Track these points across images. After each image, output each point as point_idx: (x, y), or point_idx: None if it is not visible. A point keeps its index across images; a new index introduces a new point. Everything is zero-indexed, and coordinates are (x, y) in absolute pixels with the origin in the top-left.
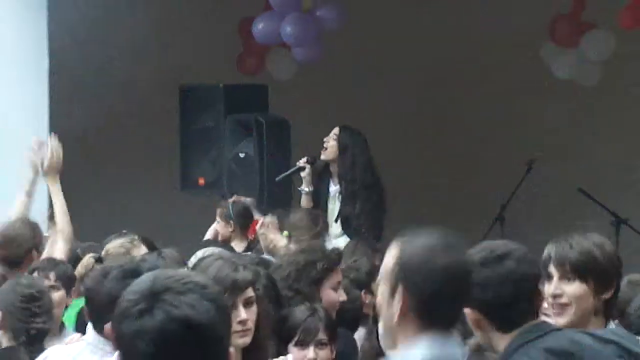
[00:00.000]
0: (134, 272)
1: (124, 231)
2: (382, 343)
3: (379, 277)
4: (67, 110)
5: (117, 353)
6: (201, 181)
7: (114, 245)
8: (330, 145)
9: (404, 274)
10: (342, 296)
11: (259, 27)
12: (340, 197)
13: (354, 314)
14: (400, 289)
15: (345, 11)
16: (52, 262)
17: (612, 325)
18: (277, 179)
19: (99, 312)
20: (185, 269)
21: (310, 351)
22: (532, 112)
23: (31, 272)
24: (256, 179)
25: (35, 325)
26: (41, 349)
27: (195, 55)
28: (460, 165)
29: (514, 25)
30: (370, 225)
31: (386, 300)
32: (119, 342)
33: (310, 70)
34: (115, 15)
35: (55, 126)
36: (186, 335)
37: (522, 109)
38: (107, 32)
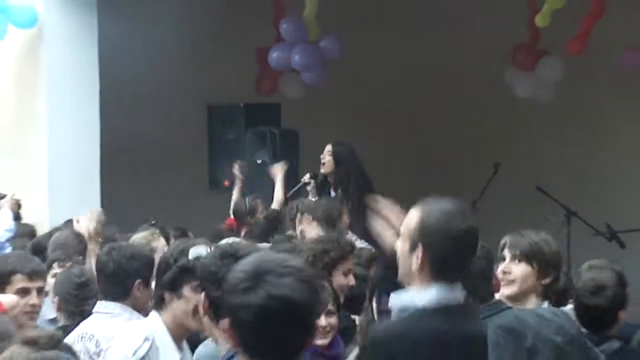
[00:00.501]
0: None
1: (153, 221)
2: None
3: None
4: (115, 125)
5: (227, 319)
6: (226, 183)
7: (138, 236)
8: (327, 160)
9: (424, 235)
10: (351, 281)
11: (273, 55)
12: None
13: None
14: (420, 247)
15: (344, 42)
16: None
17: (545, 305)
18: (287, 195)
19: (111, 282)
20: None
21: (322, 319)
22: (499, 124)
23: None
24: (270, 182)
25: (86, 308)
26: None
27: (220, 79)
28: (441, 168)
29: (484, 53)
30: (361, 219)
31: (406, 254)
32: (228, 310)
33: (316, 91)
34: (155, 47)
35: (104, 137)
36: (283, 310)
37: (490, 122)
38: (150, 62)
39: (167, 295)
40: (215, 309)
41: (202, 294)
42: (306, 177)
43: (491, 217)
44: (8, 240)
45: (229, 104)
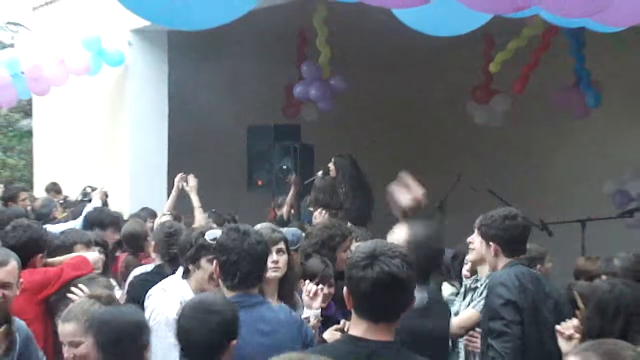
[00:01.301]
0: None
1: (213, 210)
2: None
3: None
4: (179, 138)
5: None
6: (259, 183)
7: (202, 222)
8: (331, 168)
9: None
10: (349, 255)
11: (296, 90)
12: None
13: None
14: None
15: (347, 80)
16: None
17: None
18: (304, 182)
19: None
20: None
21: (325, 288)
22: (462, 143)
23: None
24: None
25: (172, 251)
26: (177, 265)
27: (257, 106)
28: (417, 174)
29: (453, 90)
30: (357, 215)
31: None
32: (348, 281)
33: (327, 116)
34: (210, 81)
35: (171, 147)
36: (392, 284)
37: (455, 141)
38: (206, 92)
39: (190, 267)
40: (225, 273)
41: (215, 263)
42: (319, 174)
43: (456, 214)
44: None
45: (262, 125)
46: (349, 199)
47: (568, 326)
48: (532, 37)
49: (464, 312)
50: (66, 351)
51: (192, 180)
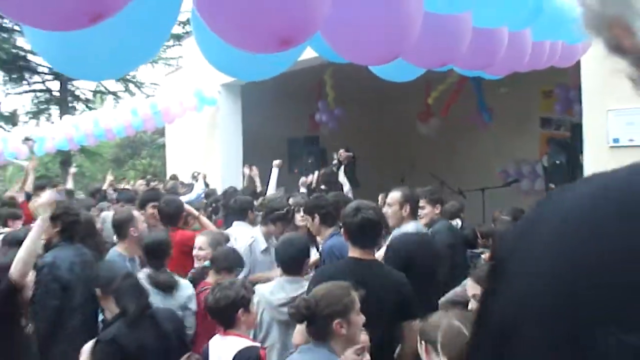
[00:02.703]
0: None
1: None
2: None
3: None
4: (248, 147)
5: None
6: (295, 171)
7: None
8: (339, 153)
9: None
10: None
11: (316, 116)
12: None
13: None
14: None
15: (344, 110)
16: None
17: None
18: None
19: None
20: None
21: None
22: (414, 144)
23: None
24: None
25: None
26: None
27: (294, 126)
28: (390, 165)
29: (410, 114)
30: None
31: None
32: (343, 223)
33: (334, 131)
34: (266, 112)
35: (244, 154)
36: (368, 224)
37: (412, 143)
38: (264, 120)
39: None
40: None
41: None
42: (341, 154)
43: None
44: (200, 195)
45: (296, 137)
46: (349, 178)
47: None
48: (452, 82)
49: None
50: None
51: (254, 170)
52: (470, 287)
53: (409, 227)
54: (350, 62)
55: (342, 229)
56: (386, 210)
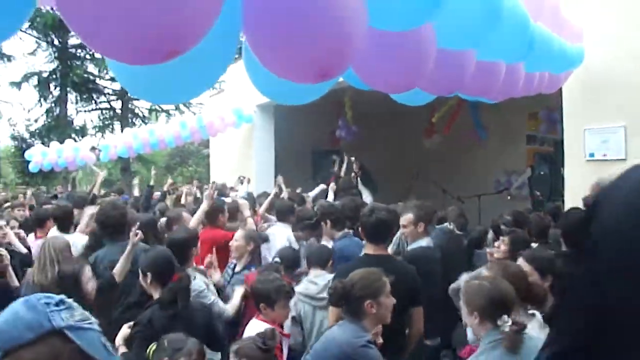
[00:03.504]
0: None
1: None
2: None
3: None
4: (280, 157)
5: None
6: (318, 181)
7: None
8: (354, 166)
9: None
10: None
11: (336, 132)
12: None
13: None
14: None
15: (360, 127)
16: None
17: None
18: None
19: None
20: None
21: None
22: (421, 157)
23: None
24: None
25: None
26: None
27: (318, 139)
28: (400, 176)
29: (416, 129)
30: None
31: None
32: (361, 224)
33: (352, 143)
34: (293, 126)
35: (276, 161)
36: (381, 224)
37: (416, 155)
38: (287, 134)
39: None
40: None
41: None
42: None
43: (418, 199)
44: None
45: (320, 150)
46: (363, 182)
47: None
48: (452, 104)
49: None
50: None
51: (280, 177)
52: (523, 265)
53: (423, 242)
54: (373, 89)
55: (356, 230)
56: (403, 231)
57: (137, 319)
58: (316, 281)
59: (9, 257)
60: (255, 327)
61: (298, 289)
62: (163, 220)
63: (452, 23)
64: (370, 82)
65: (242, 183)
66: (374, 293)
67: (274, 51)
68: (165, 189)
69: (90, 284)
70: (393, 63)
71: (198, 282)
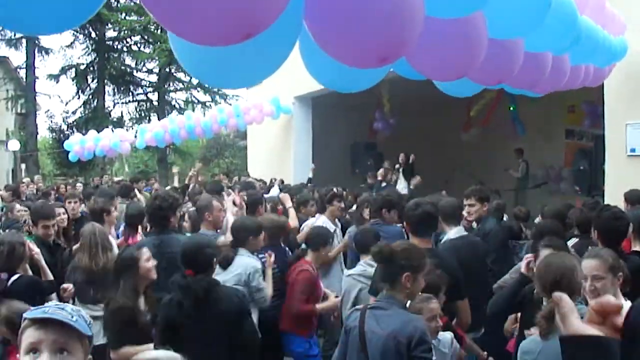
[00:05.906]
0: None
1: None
2: None
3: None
4: (318, 150)
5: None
6: (357, 171)
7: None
8: (400, 158)
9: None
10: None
11: (374, 125)
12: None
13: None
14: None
15: (398, 120)
16: None
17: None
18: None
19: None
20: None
21: None
22: (457, 151)
23: None
24: (373, 169)
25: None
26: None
27: (357, 133)
28: (438, 169)
29: (455, 125)
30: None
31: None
32: (405, 217)
33: (389, 137)
34: (333, 122)
35: (314, 155)
36: (427, 217)
37: (454, 149)
38: (332, 127)
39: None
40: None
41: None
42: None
43: (457, 191)
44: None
45: (358, 142)
46: (406, 177)
47: None
48: (490, 98)
49: None
50: None
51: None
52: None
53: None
54: (426, 78)
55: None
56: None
57: (164, 299)
58: (372, 263)
59: (38, 251)
60: None
61: (355, 270)
62: (192, 209)
63: (503, 12)
64: (422, 69)
65: (272, 185)
66: (415, 267)
67: (337, 36)
68: (186, 181)
69: (150, 262)
70: (446, 51)
71: (255, 265)
